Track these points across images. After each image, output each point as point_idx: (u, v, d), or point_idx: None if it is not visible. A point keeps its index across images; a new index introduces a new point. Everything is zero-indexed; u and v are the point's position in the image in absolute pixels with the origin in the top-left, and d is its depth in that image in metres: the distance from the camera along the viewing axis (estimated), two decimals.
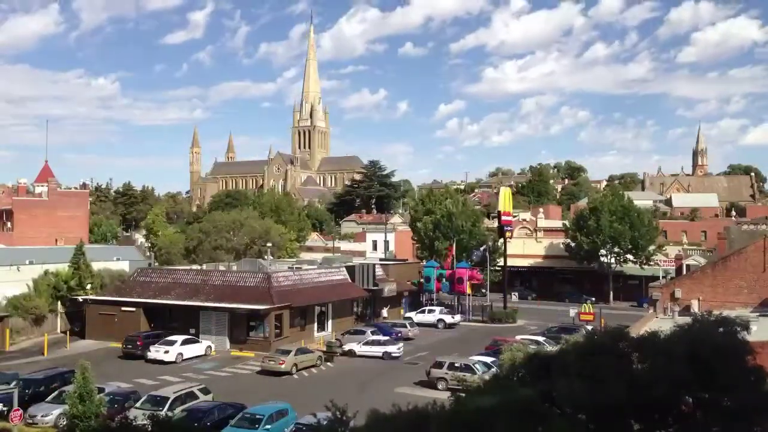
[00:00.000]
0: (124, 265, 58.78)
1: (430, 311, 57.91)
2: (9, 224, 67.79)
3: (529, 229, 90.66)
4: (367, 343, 43.63)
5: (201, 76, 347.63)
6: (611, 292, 72.29)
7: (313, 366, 39.55)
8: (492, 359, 34.27)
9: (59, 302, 50.07)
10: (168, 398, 27.55)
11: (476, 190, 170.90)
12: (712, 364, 11.47)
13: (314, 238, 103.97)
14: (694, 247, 75.01)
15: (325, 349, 43.02)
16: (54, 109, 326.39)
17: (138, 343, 41.81)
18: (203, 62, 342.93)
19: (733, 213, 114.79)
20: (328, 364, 40.88)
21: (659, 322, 33.01)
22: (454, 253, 63.48)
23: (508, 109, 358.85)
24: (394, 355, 42.49)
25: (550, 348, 25.21)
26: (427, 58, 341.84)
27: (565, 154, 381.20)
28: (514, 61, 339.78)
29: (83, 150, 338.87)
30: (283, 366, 37.42)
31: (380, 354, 42.42)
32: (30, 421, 27.13)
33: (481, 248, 69.96)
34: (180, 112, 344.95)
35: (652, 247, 71.14)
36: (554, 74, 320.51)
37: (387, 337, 45.15)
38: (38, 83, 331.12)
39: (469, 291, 61.09)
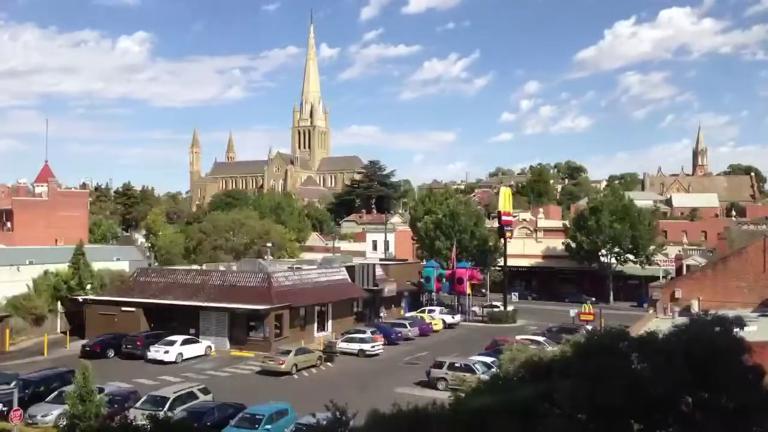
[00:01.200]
0: (124, 265, 58.77)
1: (430, 311, 57.90)
2: (9, 224, 67.74)
3: (529, 229, 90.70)
4: (346, 340, 44.27)
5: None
6: (611, 292, 72.28)
7: (313, 366, 39.55)
8: (492, 359, 34.24)
9: (59, 302, 50.05)
10: (168, 398, 27.55)
11: (476, 190, 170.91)
12: (708, 363, 11.48)
13: (314, 239, 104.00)
14: (694, 247, 75.07)
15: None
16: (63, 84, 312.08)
17: (138, 343, 41.86)
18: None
19: (733, 213, 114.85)
20: (328, 364, 40.88)
21: (659, 323, 33.01)
22: (455, 253, 63.52)
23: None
24: (368, 353, 42.82)
25: (551, 348, 25.18)
26: None
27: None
28: None
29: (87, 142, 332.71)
30: (283, 366, 37.43)
31: (356, 351, 42.88)
32: (30, 421, 27.14)
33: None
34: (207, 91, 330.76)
35: (652, 247, 71.14)
36: None
37: (366, 334, 45.33)
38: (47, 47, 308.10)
39: (469, 291, 61.14)
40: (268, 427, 25.05)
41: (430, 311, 57.72)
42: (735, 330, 12.26)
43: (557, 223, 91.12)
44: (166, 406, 26.34)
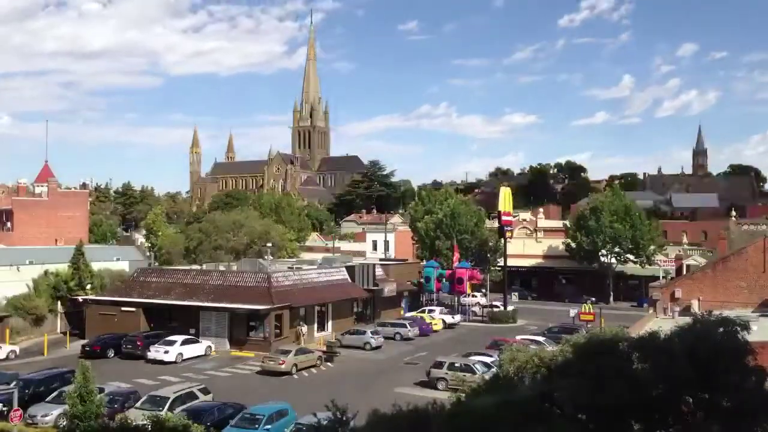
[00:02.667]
0: (124, 265, 58.79)
1: (430, 311, 57.89)
2: (9, 224, 67.77)
3: (529, 229, 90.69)
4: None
5: None
6: (611, 292, 72.29)
7: (313, 366, 39.56)
8: (492, 359, 34.25)
9: (59, 302, 50.05)
10: (168, 398, 27.56)
11: (476, 190, 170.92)
12: (712, 364, 11.48)
13: (314, 238, 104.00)
14: (694, 247, 75.10)
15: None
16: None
17: (138, 343, 41.87)
18: None
19: (733, 213, 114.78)
20: (328, 364, 40.89)
21: (659, 322, 33.02)
22: (458, 253, 63.53)
23: None
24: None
25: (551, 348, 25.17)
26: None
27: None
28: None
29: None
30: (283, 366, 37.43)
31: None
32: (30, 421, 27.15)
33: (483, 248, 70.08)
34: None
35: (652, 247, 71.12)
36: None
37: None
38: None
39: (468, 291, 61.11)
40: (268, 427, 25.06)
41: (430, 311, 57.72)
42: (740, 332, 12.26)
43: (557, 223, 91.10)
44: (166, 406, 26.34)
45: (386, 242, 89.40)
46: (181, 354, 40.89)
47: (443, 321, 55.73)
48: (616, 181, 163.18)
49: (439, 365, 35.03)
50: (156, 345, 40.92)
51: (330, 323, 51.05)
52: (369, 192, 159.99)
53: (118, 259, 60.61)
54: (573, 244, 73.81)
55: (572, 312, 51.29)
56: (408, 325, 50.73)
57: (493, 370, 29.14)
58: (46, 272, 51.06)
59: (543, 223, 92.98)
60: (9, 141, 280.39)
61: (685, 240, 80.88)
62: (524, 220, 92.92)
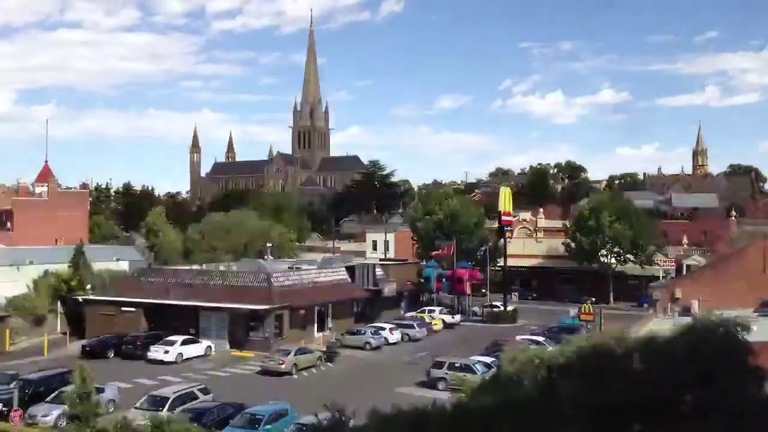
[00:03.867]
0: (124, 265, 58.75)
1: (430, 311, 57.89)
2: (9, 224, 67.73)
3: (529, 229, 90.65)
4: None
5: None
6: (611, 293, 72.25)
7: (313, 366, 39.56)
8: (492, 359, 34.25)
9: (59, 302, 50.02)
10: (168, 398, 27.58)
11: (476, 190, 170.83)
12: (712, 364, 11.47)
13: (314, 239, 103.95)
14: (694, 247, 75.09)
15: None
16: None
17: (138, 343, 41.86)
18: None
19: (733, 213, 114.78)
20: (328, 364, 40.88)
21: (659, 323, 33.05)
22: (453, 251, 63.38)
23: None
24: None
25: (551, 348, 25.16)
26: None
27: None
28: None
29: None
30: (283, 366, 37.43)
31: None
32: (30, 422, 27.14)
33: (482, 248, 69.98)
34: None
35: (652, 248, 71.10)
36: None
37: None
38: None
39: (468, 291, 61.07)
40: (268, 427, 25.06)
41: (430, 311, 57.72)
42: (740, 332, 12.25)
43: (557, 223, 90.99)
44: (166, 406, 26.35)
45: (386, 242, 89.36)
46: (181, 354, 40.90)
47: (443, 321, 55.73)
48: (617, 181, 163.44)
49: (439, 365, 35.03)
50: (156, 345, 40.95)
51: (330, 323, 51.04)
52: (369, 192, 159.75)
53: (118, 259, 60.56)
54: (573, 244, 73.78)
55: (572, 312, 51.31)
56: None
57: (493, 370, 29.18)
58: (46, 272, 51.04)
59: (543, 223, 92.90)
60: None
61: (685, 240, 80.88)
62: (524, 220, 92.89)
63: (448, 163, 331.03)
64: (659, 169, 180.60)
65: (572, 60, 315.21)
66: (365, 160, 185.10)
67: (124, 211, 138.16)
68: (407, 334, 49.17)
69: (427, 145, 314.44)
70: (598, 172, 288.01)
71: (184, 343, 41.69)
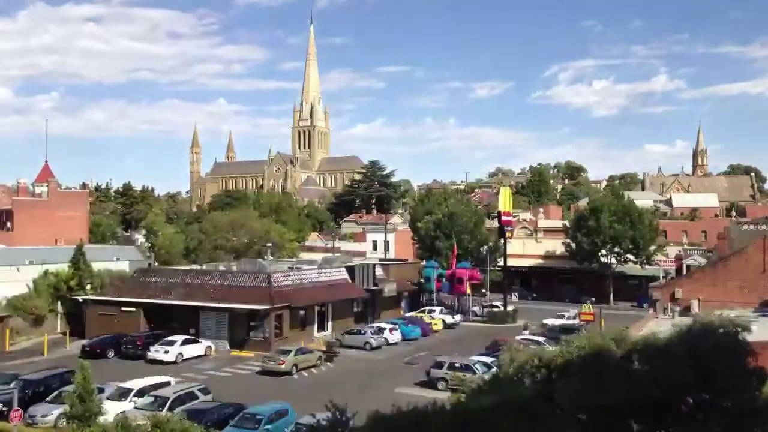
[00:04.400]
0: (124, 265, 58.74)
1: (430, 311, 57.90)
2: (9, 224, 67.74)
3: (529, 229, 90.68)
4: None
5: None
6: (611, 293, 72.25)
7: (313, 366, 39.55)
8: (492, 359, 34.25)
9: (59, 302, 50.03)
10: (168, 398, 27.57)
11: (476, 190, 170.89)
12: (712, 365, 11.47)
13: (314, 238, 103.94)
14: (694, 247, 75.02)
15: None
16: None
17: (138, 343, 41.85)
18: None
19: (733, 213, 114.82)
20: (328, 364, 40.87)
21: (659, 323, 33.04)
22: (455, 252, 63.49)
23: None
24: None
25: (550, 348, 25.16)
26: None
27: None
28: None
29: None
30: (283, 366, 37.43)
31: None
32: (30, 421, 27.14)
33: (482, 248, 70.03)
34: None
35: (652, 248, 71.09)
36: None
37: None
38: None
39: (468, 291, 61.07)
40: (268, 427, 25.05)
41: (430, 311, 57.72)
42: (740, 332, 12.25)
43: (557, 223, 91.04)
44: (166, 406, 26.33)
45: (386, 242, 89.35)
46: (181, 354, 40.89)
47: (443, 321, 55.73)
48: (617, 181, 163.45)
49: (439, 365, 35.02)
50: (156, 345, 40.93)
51: (330, 323, 51.04)
52: (369, 192, 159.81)
53: (118, 259, 60.56)
54: (573, 244, 73.79)
55: (572, 312, 51.31)
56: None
57: (493, 370, 29.16)
58: (46, 272, 51.04)
59: (543, 223, 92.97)
60: None
61: (685, 240, 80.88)
62: (524, 220, 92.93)
63: (474, 161, 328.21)
64: (659, 169, 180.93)
65: (634, 42, 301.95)
66: (365, 161, 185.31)
67: (124, 211, 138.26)
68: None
69: (452, 138, 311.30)
70: (598, 172, 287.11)
71: (184, 343, 41.68)
